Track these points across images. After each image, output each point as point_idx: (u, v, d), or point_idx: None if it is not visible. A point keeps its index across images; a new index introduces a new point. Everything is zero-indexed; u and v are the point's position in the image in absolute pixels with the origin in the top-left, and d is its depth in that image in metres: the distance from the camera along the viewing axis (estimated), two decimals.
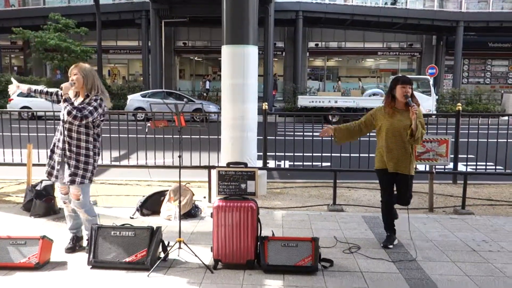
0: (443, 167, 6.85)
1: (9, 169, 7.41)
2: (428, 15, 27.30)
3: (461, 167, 7.66)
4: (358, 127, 4.75)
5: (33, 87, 4.54)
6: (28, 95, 19.95)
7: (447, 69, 30.98)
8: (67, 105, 4.10)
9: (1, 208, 5.98)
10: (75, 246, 4.45)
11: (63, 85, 4.15)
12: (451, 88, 27.14)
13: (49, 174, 4.38)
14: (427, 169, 6.34)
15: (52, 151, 4.37)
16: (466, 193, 6.22)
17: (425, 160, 5.99)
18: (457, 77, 27.54)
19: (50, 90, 4.52)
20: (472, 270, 4.09)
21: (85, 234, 4.47)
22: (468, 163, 7.31)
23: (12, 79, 4.60)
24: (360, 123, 4.76)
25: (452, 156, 6.81)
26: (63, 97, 4.15)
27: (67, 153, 4.23)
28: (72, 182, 4.22)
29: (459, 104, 7.21)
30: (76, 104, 4.20)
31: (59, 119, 4.34)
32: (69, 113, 4.07)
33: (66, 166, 4.25)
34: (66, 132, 4.23)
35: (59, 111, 4.39)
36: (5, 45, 31.55)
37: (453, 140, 6.89)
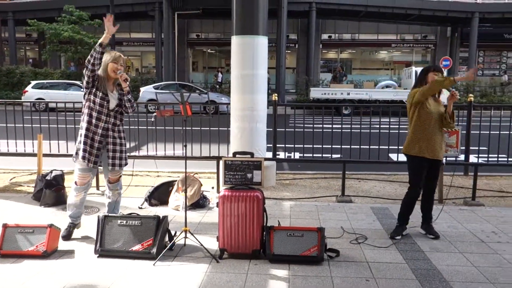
0: (454, 158, 6.79)
1: (21, 159, 7.51)
2: (442, 6, 26.92)
3: (472, 159, 7.56)
4: None
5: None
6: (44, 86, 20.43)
7: (462, 61, 30.60)
8: (127, 94, 4.45)
9: (12, 197, 6.06)
10: (70, 234, 4.49)
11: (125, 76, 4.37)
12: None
13: (94, 163, 4.37)
14: None
15: (92, 140, 4.35)
16: (476, 184, 6.14)
17: None
18: None
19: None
20: (480, 261, 4.05)
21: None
22: (480, 155, 7.21)
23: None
24: None
25: (463, 148, 6.72)
26: (125, 87, 4.42)
27: (117, 140, 4.48)
28: (124, 165, 4.55)
29: (470, 95, 7.10)
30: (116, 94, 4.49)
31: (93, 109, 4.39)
32: (132, 105, 4.47)
33: (115, 153, 4.47)
34: (113, 120, 4.44)
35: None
36: (20, 37, 31.85)
37: (464, 131, 6.79)
